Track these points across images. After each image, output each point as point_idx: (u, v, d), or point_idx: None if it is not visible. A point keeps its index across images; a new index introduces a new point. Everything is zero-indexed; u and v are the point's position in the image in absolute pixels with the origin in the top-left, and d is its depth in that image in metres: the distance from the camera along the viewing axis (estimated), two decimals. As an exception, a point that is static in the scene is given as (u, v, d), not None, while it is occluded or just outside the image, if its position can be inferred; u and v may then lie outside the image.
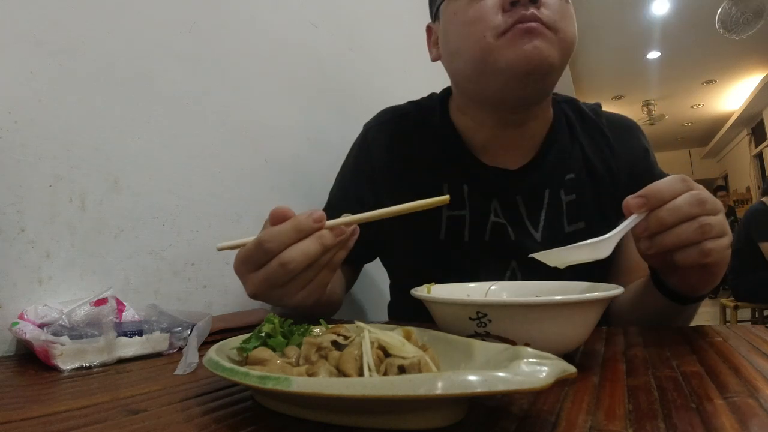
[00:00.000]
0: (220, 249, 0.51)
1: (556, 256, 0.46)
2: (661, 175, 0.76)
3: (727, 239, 0.45)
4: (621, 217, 0.46)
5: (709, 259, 0.44)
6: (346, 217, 0.49)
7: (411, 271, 0.78)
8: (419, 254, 0.75)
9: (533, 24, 0.60)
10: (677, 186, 0.44)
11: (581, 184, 0.73)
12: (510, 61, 0.61)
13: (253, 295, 0.50)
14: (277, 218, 0.48)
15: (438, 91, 0.83)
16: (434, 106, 0.79)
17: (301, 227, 0.46)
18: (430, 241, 0.73)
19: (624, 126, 0.78)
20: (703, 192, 0.44)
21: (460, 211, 0.73)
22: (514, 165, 0.73)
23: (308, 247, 0.46)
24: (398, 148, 0.77)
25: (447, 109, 0.78)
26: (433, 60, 0.77)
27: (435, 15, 0.74)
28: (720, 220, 0.44)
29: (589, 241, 0.46)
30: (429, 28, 0.77)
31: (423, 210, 0.46)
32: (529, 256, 0.48)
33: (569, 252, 0.45)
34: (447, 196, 0.45)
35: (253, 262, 0.48)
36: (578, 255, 0.45)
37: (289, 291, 0.49)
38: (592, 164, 0.73)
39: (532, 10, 0.60)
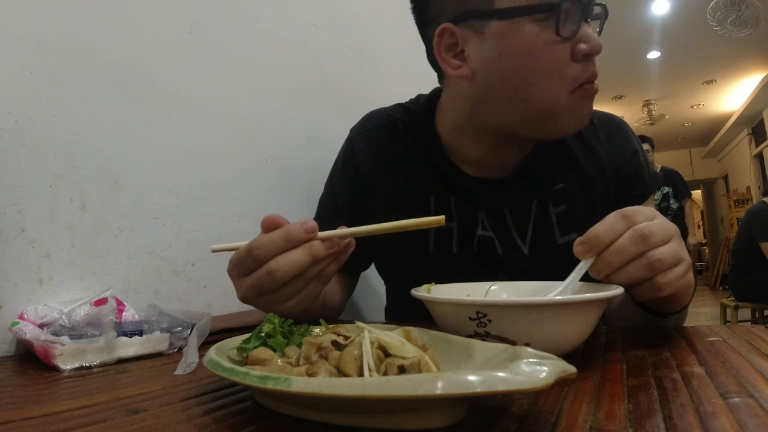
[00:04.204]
0: (214, 251, 0.52)
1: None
2: (651, 177, 0.74)
3: (683, 267, 0.43)
4: None
5: (662, 293, 0.43)
6: (341, 230, 0.49)
7: (402, 282, 0.74)
8: (408, 266, 0.74)
9: (596, 86, 0.61)
10: (617, 226, 0.42)
11: (571, 194, 0.71)
12: (572, 123, 0.63)
13: (243, 299, 0.51)
14: (270, 225, 0.48)
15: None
16: (420, 113, 0.75)
17: (291, 236, 0.46)
18: (419, 253, 0.72)
19: (613, 124, 0.77)
20: (647, 226, 0.42)
21: (448, 223, 0.71)
22: (499, 175, 0.72)
23: (296, 257, 0.46)
24: (384, 157, 0.75)
25: (433, 118, 0.74)
26: (458, 75, 0.63)
27: (460, 17, 0.61)
28: (671, 249, 0.42)
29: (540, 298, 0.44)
30: (444, 31, 0.62)
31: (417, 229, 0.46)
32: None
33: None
34: (443, 217, 0.44)
35: (242, 267, 0.48)
36: None
37: (276, 299, 0.49)
38: (583, 169, 0.72)
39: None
